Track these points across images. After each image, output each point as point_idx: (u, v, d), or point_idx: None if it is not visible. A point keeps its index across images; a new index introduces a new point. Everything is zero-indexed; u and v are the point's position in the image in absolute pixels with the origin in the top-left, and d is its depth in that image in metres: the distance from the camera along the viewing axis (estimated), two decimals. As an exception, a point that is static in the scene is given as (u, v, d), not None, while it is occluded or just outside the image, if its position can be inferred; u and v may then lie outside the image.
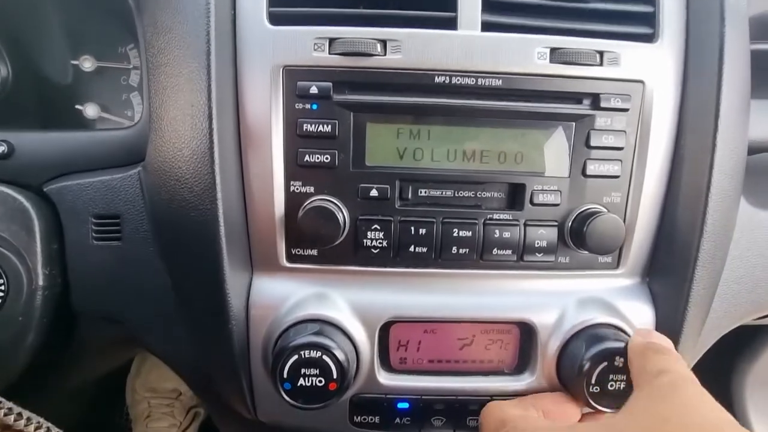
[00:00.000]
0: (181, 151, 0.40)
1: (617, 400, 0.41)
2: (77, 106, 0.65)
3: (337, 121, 0.42)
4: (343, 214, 0.43)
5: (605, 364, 0.40)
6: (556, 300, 0.46)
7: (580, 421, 0.43)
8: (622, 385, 0.41)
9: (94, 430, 1.01)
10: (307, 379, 0.39)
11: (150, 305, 0.47)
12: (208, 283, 0.42)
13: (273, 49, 0.41)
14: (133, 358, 1.12)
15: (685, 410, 0.31)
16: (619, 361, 0.40)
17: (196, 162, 0.40)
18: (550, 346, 0.45)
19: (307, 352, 0.39)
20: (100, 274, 0.47)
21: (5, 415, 0.38)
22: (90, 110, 0.65)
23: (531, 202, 0.44)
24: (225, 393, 0.47)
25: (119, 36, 0.64)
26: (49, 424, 0.41)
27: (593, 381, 0.40)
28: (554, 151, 0.44)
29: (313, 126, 0.42)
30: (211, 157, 0.39)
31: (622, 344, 0.41)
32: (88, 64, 0.64)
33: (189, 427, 1.15)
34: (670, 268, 0.46)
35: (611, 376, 0.41)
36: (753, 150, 0.54)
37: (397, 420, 0.45)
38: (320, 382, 0.39)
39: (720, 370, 1.45)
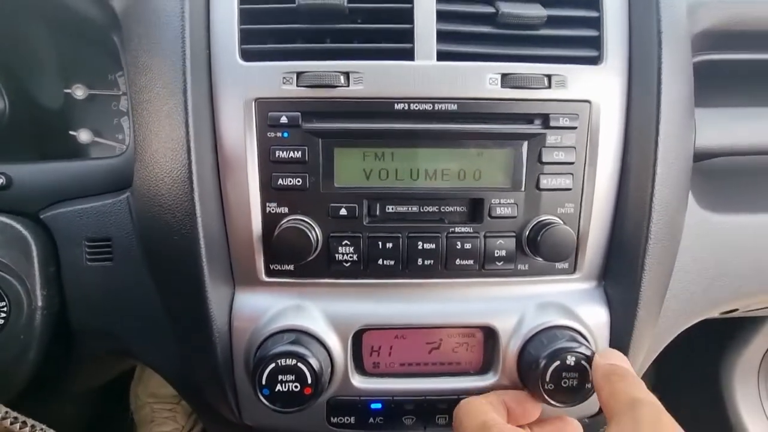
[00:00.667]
0: (163, 180, 0.44)
1: (570, 396, 0.45)
2: (71, 132, 0.69)
3: (306, 147, 0.46)
4: (315, 232, 0.47)
5: (558, 362, 0.44)
6: (516, 305, 0.49)
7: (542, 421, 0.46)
8: (575, 383, 0.44)
9: (100, 432, 1.05)
10: (284, 384, 0.43)
11: (141, 320, 0.51)
12: (192, 299, 0.46)
13: (245, 83, 0.45)
14: (135, 366, 1.16)
15: None
16: (571, 360, 0.44)
17: (176, 190, 0.44)
18: (510, 348, 0.48)
19: (283, 360, 0.43)
20: (95, 293, 0.51)
21: (11, 423, 0.42)
22: (83, 135, 0.69)
23: (490, 215, 0.48)
24: (212, 399, 0.51)
25: (108, 64, 0.68)
26: (52, 431, 0.45)
27: (548, 378, 0.44)
28: (510, 168, 0.47)
29: (284, 152, 0.46)
30: (191, 185, 0.43)
31: (575, 344, 0.45)
32: (80, 92, 0.68)
33: (191, 430, 1.19)
34: (621, 273, 0.50)
35: (564, 374, 0.44)
36: (703, 156, 0.57)
37: (371, 420, 0.48)
38: (296, 387, 0.43)
39: (708, 364, 1.48)
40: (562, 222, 0.47)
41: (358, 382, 0.48)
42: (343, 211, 0.47)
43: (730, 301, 0.58)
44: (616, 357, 0.44)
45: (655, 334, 0.54)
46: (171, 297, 0.49)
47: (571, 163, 0.47)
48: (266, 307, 0.48)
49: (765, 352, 1.44)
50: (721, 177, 0.63)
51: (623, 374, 0.41)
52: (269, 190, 0.46)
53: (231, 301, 0.49)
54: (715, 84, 0.60)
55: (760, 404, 1.46)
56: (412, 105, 0.45)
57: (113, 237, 0.50)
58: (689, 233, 0.54)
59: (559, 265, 0.50)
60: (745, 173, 0.63)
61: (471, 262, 0.48)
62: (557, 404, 0.45)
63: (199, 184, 0.44)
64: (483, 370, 0.50)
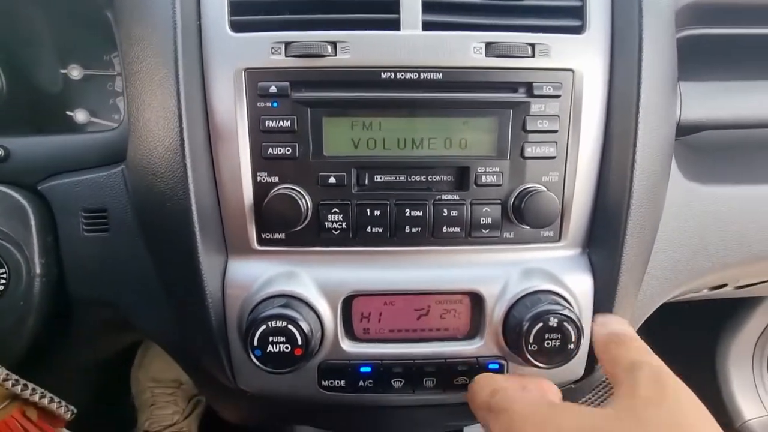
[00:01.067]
0: (156, 149, 0.45)
1: (553, 357, 0.46)
2: (68, 112, 0.70)
3: (295, 117, 0.47)
4: (305, 201, 0.48)
5: (541, 324, 0.45)
6: (502, 271, 0.50)
7: None
8: (557, 344, 0.46)
9: (102, 418, 1.07)
10: (275, 346, 0.44)
11: (138, 289, 0.53)
12: (186, 267, 0.47)
13: (235, 53, 0.46)
14: (137, 351, 1.18)
15: (679, 416, 0.32)
16: (553, 321, 0.45)
17: (169, 158, 0.45)
18: (496, 313, 0.49)
19: (274, 322, 0.44)
20: (92, 263, 0.52)
21: (13, 385, 0.44)
22: (80, 115, 0.70)
23: (476, 183, 0.49)
24: (207, 365, 0.52)
25: (104, 45, 0.69)
26: (52, 395, 0.46)
27: (531, 340, 0.45)
28: (494, 136, 0.49)
29: (274, 122, 0.47)
30: (183, 153, 0.44)
31: (558, 306, 0.46)
32: (76, 72, 0.69)
33: (191, 414, 1.21)
34: (605, 239, 0.51)
35: (547, 335, 0.45)
36: (689, 129, 0.58)
37: (361, 383, 0.50)
38: (287, 348, 0.44)
39: (704, 347, 1.49)
40: (546, 189, 0.48)
41: (348, 346, 0.50)
42: (332, 180, 0.48)
43: (713, 271, 0.59)
44: (614, 322, 0.44)
45: (638, 303, 0.55)
46: (165, 266, 0.51)
47: (555, 132, 0.48)
48: (258, 275, 0.49)
49: (759, 335, 1.45)
50: (707, 150, 0.64)
51: (621, 340, 0.41)
52: (260, 160, 0.48)
53: (224, 269, 0.50)
54: (701, 58, 0.61)
55: (755, 387, 1.48)
56: (398, 74, 0.46)
57: (109, 208, 0.52)
58: (674, 203, 0.55)
59: (544, 233, 0.51)
60: (730, 147, 0.64)
61: (458, 229, 0.50)
62: (541, 365, 0.46)
63: (191, 153, 0.45)
64: (470, 335, 0.51)
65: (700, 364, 1.50)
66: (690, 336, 1.56)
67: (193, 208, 0.46)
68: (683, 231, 0.56)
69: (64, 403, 0.48)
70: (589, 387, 0.57)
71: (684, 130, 0.58)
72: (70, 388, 0.87)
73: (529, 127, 0.48)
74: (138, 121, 0.46)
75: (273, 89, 0.46)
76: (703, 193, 0.57)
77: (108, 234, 0.52)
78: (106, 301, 0.53)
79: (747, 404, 1.43)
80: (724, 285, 0.80)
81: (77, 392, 0.91)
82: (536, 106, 0.48)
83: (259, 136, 0.47)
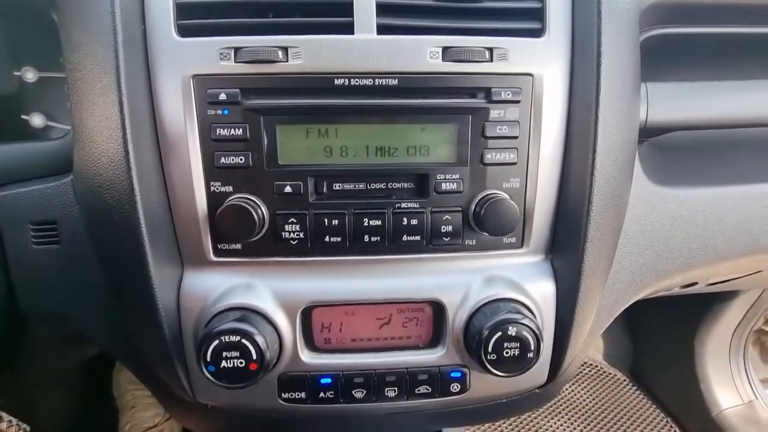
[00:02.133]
0: (100, 160, 0.44)
1: (513, 366, 0.46)
2: (23, 116, 0.67)
3: (248, 125, 0.45)
4: (261, 210, 0.47)
5: (500, 333, 0.45)
6: (464, 279, 0.50)
7: None
8: (516, 353, 0.45)
9: (84, 420, 1.06)
10: (228, 361, 0.43)
11: (91, 302, 0.51)
12: (137, 280, 0.46)
13: (182, 59, 0.44)
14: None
15: None
16: (512, 330, 0.45)
17: (114, 169, 0.43)
18: (457, 321, 0.49)
19: (227, 337, 0.43)
20: (42, 276, 0.51)
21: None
22: (36, 119, 0.67)
23: (436, 190, 0.48)
24: (166, 379, 0.51)
25: (57, 46, 0.66)
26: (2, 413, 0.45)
27: (490, 349, 0.45)
28: (454, 143, 0.48)
29: (225, 130, 0.45)
30: (128, 164, 0.43)
31: (517, 315, 0.46)
32: (30, 74, 0.67)
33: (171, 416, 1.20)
34: (566, 245, 0.50)
35: (506, 344, 0.45)
36: (656, 131, 0.58)
37: (322, 394, 0.49)
38: (241, 363, 0.43)
39: (683, 338, 1.52)
40: (507, 196, 0.48)
41: (308, 357, 0.49)
42: (288, 189, 0.47)
43: (677, 272, 0.59)
44: None
45: (603, 307, 0.55)
46: (116, 279, 0.49)
47: (515, 137, 0.48)
48: (214, 287, 0.48)
49: (735, 327, 1.48)
50: (673, 152, 0.63)
51: None
52: (212, 169, 0.46)
53: (179, 281, 0.49)
54: (666, 59, 0.61)
55: (731, 377, 1.51)
56: (352, 80, 0.45)
57: (59, 220, 0.50)
58: (638, 205, 0.55)
59: (507, 240, 0.51)
60: (697, 147, 0.64)
61: (418, 237, 0.49)
62: (501, 374, 0.46)
63: (138, 163, 0.43)
64: (432, 343, 0.51)
65: (678, 356, 1.53)
66: (669, 328, 1.58)
67: (141, 220, 0.44)
68: (647, 234, 0.56)
69: (15, 421, 0.46)
70: (555, 392, 0.57)
71: (650, 131, 0.57)
72: (43, 397, 0.86)
73: (488, 133, 0.47)
74: (81, 131, 0.45)
75: (223, 96, 0.44)
76: (668, 197, 0.57)
77: (59, 246, 0.50)
78: (59, 315, 0.52)
79: (723, 394, 1.47)
80: (695, 283, 0.81)
81: (51, 400, 0.90)
82: (495, 112, 0.47)
83: (211, 145, 0.45)
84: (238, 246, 0.48)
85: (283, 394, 0.49)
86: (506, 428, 1.46)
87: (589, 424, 1.50)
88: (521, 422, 1.48)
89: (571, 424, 1.50)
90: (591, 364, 1.73)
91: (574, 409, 1.55)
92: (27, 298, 0.51)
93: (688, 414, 1.49)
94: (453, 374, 0.50)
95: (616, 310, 0.58)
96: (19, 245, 0.50)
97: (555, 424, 1.49)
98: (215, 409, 0.52)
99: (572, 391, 1.63)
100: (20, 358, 0.60)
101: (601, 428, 1.49)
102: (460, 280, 0.50)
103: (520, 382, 0.52)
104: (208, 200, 0.47)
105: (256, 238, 0.47)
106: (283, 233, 0.48)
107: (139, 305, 0.47)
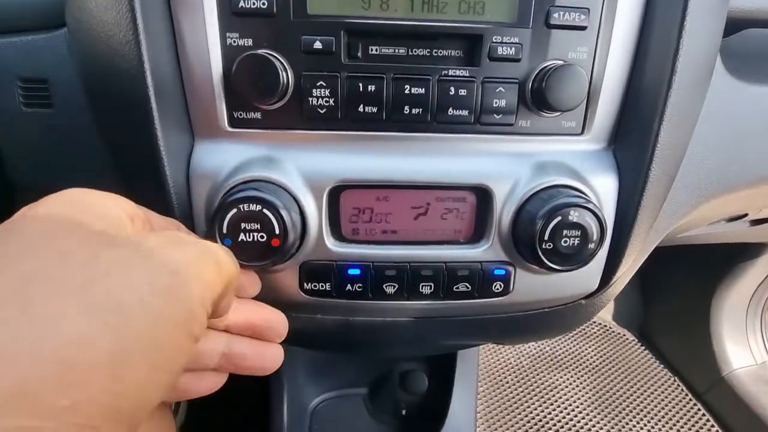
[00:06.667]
0: (100, 2, 0.36)
1: (570, 258, 0.40)
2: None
3: (272, -41, 0.38)
4: (286, 71, 0.40)
5: (560, 218, 0.39)
6: (514, 163, 0.43)
7: None
8: (576, 242, 0.39)
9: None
10: (248, 234, 0.38)
11: (89, 177, 0.45)
12: (144, 149, 0.40)
13: None
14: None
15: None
16: (574, 215, 0.39)
17: (115, 14, 0.36)
18: (506, 211, 0.43)
19: (246, 205, 0.37)
20: (34, 143, 0.45)
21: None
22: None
23: (489, 56, 0.41)
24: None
25: None
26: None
27: (546, 237, 0.39)
28: (515, -1, 0.40)
29: (246, -35, 0.38)
30: (131, 6, 0.35)
31: (580, 200, 0.39)
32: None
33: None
34: (635, 133, 0.44)
35: (565, 232, 0.39)
36: (733, 26, 0.50)
37: (349, 287, 0.44)
38: (262, 237, 0.38)
39: (700, 294, 1.48)
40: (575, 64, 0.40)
41: (333, 245, 0.43)
42: (317, 45, 0.40)
43: (747, 184, 0.53)
44: None
45: (663, 213, 0.49)
46: (120, 149, 0.43)
47: (588, -5, 0.40)
48: (229, 160, 0.42)
49: (757, 286, 1.44)
50: (756, 50, 0.56)
51: None
52: (229, 17, 0.39)
53: (190, 153, 0.42)
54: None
55: (746, 337, 1.48)
56: None
57: (50, 78, 0.43)
58: (712, 101, 0.47)
59: (566, 123, 0.44)
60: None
61: (465, 113, 0.42)
62: (555, 267, 0.40)
63: (143, 7, 0.36)
64: (474, 238, 0.45)
65: (692, 315, 1.50)
66: (684, 286, 1.54)
67: (149, 77, 0.37)
68: (719, 135, 0.49)
69: None
70: (600, 306, 0.52)
71: (739, 25, 0.49)
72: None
73: (558, -13, 0.40)
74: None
75: None
76: (748, 93, 0.50)
77: (52, 110, 0.44)
78: (50, 188, 0.46)
79: (737, 354, 1.44)
80: (744, 215, 0.75)
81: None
82: (568, -40, 0.39)
83: (228, -16, 0.38)
84: (257, 115, 0.42)
85: (305, 285, 0.44)
86: (513, 380, 1.45)
87: (595, 380, 1.48)
88: (528, 376, 1.47)
89: (578, 379, 1.49)
90: (599, 324, 1.71)
91: (581, 365, 1.53)
92: (15, 167, 0.45)
93: (697, 373, 1.47)
94: (497, 272, 0.44)
95: (675, 219, 0.51)
96: (9, 107, 0.44)
97: (561, 378, 1.48)
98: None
99: (580, 348, 1.61)
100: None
101: (608, 384, 1.47)
102: (510, 165, 0.43)
103: (569, 287, 0.47)
104: (224, 57, 0.40)
105: (279, 105, 0.41)
106: (310, 99, 0.41)
107: (147, 179, 0.41)
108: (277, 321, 0.37)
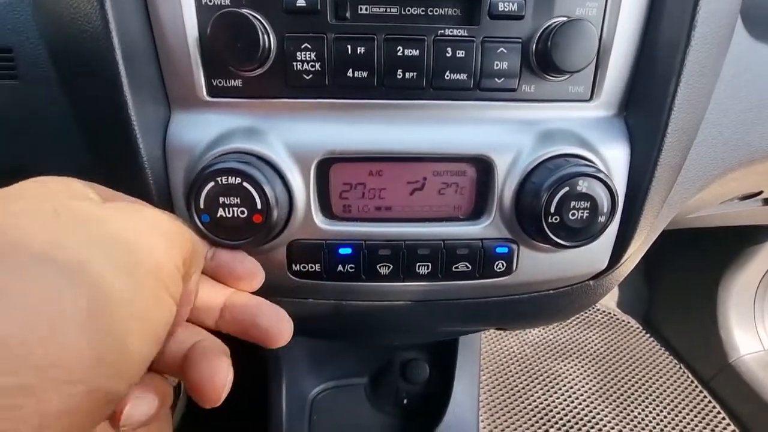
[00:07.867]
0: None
1: (579, 232, 0.37)
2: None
3: None
4: (267, 34, 0.36)
5: (567, 189, 0.36)
6: (518, 132, 0.40)
7: None
8: (585, 215, 0.36)
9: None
10: (227, 209, 0.34)
11: (60, 154, 0.42)
12: (115, 122, 0.36)
13: None
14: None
15: None
16: (583, 186, 0.36)
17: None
18: (508, 183, 0.40)
19: (224, 178, 0.34)
20: (1, 120, 0.41)
21: None
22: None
23: (490, 14, 0.38)
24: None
25: None
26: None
27: (552, 209, 0.36)
28: (518, -53, 0.36)
29: None
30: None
31: (589, 169, 0.36)
32: None
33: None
34: (649, 98, 0.40)
35: (573, 204, 0.36)
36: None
37: (340, 268, 0.41)
38: (242, 213, 0.35)
39: (709, 283, 1.45)
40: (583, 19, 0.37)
41: (323, 223, 0.40)
42: (301, 2, 0.36)
43: (763, 155, 0.49)
44: None
45: (677, 186, 0.46)
46: (89, 123, 0.40)
47: (598, -58, 0.36)
48: (208, 131, 0.39)
49: (763, 274, 1.41)
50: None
51: None
52: (204, -28, 0.36)
53: (166, 125, 0.39)
54: None
55: (753, 323, 1.45)
56: None
57: (14, 47, 0.40)
58: (731, 64, 0.44)
59: (573, 89, 0.40)
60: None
61: (464, 77, 0.39)
62: (562, 242, 0.37)
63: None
64: (474, 214, 0.42)
65: (698, 301, 1.47)
66: (690, 273, 1.51)
67: (114, 37, 0.34)
68: (739, 99, 0.46)
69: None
70: (608, 287, 0.48)
71: None
72: None
73: (565, -67, 0.36)
74: None
75: None
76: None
77: (17, 82, 0.41)
78: (23, 170, 0.43)
79: (744, 340, 1.41)
80: (759, 193, 0.71)
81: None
82: None
83: (201, -66, 0.35)
84: (238, 82, 0.39)
85: (294, 266, 0.41)
86: (515, 369, 1.42)
87: (599, 368, 1.46)
88: (531, 365, 1.45)
89: (581, 367, 1.46)
90: (603, 311, 1.68)
91: (585, 353, 1.51)
92: (-19, 146, 0.42)
93: (703, 359, 1.45)
94: (499, 249, 0.41)
95: (690, 193, 0.48)
96: (-32, 77, 0.40)
97: (565, 367, 1.46)
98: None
99: (583, 336, 1.59)
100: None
101: (612, 372, 1.45)
102: (513, 134, 0.40)
103: (576, 266, 0.43)
104: (199, 18, 0.37)
105: (261, 71, 0.37)
106: (294, 64, 0.37)
107: (119, 153, 0.38)
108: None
